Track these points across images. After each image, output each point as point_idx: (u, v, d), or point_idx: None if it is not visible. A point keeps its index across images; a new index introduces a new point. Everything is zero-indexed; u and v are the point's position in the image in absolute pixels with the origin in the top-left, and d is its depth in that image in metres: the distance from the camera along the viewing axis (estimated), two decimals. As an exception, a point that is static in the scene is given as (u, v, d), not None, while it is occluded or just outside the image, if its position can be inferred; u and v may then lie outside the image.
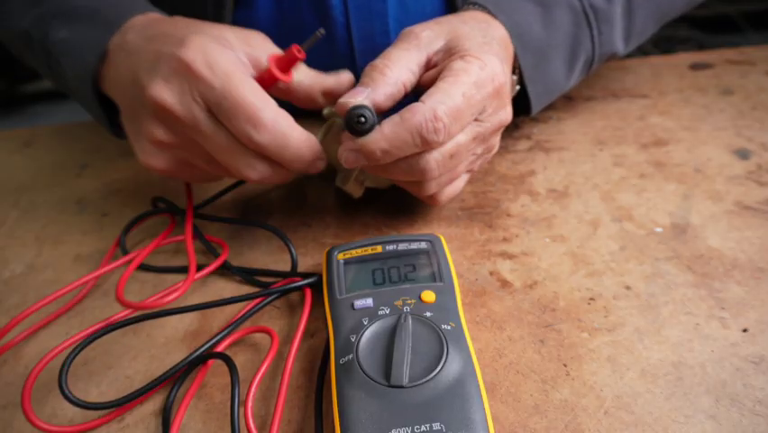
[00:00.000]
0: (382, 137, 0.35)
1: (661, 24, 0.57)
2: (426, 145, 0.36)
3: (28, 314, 0.36)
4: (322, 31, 0.37)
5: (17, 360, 0.37)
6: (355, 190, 0.44)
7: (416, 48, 0.40)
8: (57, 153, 0.62)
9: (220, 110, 0.36)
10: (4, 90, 2.47)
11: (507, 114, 0.41)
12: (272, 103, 0.37)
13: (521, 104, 0.49)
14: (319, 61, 0.54)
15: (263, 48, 0.40)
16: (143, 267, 0.43)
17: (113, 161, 0.59)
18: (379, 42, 0.53)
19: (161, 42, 0.38)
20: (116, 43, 0.42)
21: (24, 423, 0.32)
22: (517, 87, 0.47)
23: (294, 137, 0.37)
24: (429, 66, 0.41)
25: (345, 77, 0.42)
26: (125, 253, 0.44)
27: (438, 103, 0.35)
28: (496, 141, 0.43)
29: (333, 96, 0.42)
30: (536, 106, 0.49)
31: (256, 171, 0.38)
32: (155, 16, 0.44)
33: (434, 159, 0.37)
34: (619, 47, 0.52)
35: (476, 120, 0.39)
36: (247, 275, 0.41)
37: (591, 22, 0.49)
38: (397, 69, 0.38)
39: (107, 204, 0.52)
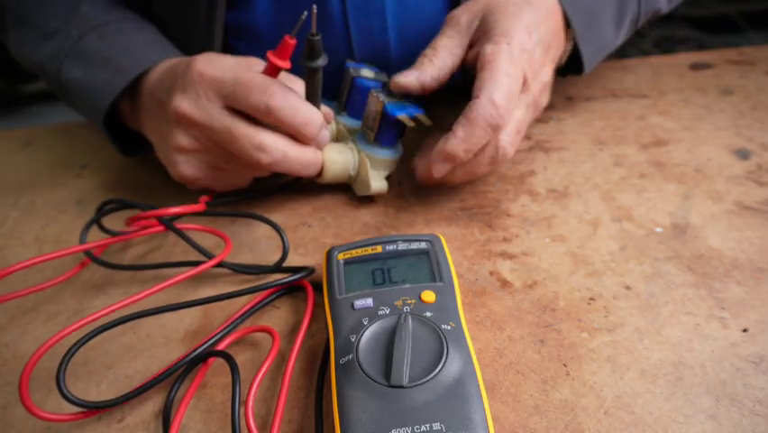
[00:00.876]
0: (459, 140, 0.40)
1: None
2: (497, 131, 0.41)
3: (9, 272, 0.36)
4: (305, 14, 0.39)
5: (17, 360, 0.37)
6: (381, 187, 0.46)
7: (457, 34, 0.45)
8: (57, 153, 0.62)
9: (236, 97, 0.41)
10: (4, 90, 2.46)
11: (546, 74, 0.46)
12: (280, 81, 0.42)
13: (572, 64, 0.52)
14: None
15: (259, 65, 0.44)
16: (143, 266, 0.43)
17: (113, 161, 0.59)
18: (377, 39, 0.53)
19: (175, 69, 0.45)
20: (143, 90, 0.48)
21: (25, 423, 0.33)
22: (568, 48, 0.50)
23: (303, 101, 0.42)
24: (472, 45, 0.45)
25: (326, 109, 0.47)
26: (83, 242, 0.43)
27: (492, 92, 0.40)
28: (544, 99, 0.48)
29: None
30: (589, 66, 0.51)
31: (269, 153, 0.42)
32: (168, 63, 0.48)
33: (507, 143, 0.42)
34: (663, 4, 0.54)
35: (524, 91, 0.43)
36: (235, 267, 0.41)
37: None
38: (442, 55, 0.44)
39: (107, 204, 0.52)
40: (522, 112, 0.43)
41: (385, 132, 0.45)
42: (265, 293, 0.39)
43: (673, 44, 1.92)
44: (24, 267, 0.36)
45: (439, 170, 0.42)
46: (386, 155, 0.46)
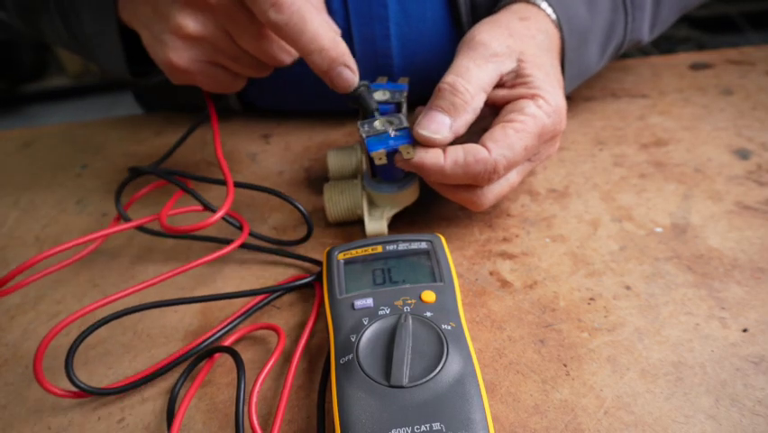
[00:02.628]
0: (441, 170, 0.37)
1: (682, 14, 0.57)
2: (476, 183, 0.38)
3: (32, 264, 0.36)
4: None
5: (17, 360, 0.37)
6: (377, 229, 0.43)
7: (493, 67, 0.40)
8: (57, 153, 0.62)
9: None
10: (5, 90, 2.47)
11: (554, 147, 0.43)
12: None
13: None
14: None
15: None
16: (166, 234, 0.43)
17: (113, 161, 0.59)
18: (381, 46, 0.53)
19: None
20: None
21: (25, 423, 0.33)
22: None
23: (313, 22, 0.37)
24: (498, 83, 0.41)
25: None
26: (127, 219, 0.44)
27: (501, 156, 0.37)
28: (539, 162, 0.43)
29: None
30: (568, 89, 0.49)
31: (290, 55, 0.40)
32: None
33: (487, 197, 0.39)
34: (645, 35, 0.53)
35: (528, 160, 0.41)
36: (256, 246, 0.42)
37: (628, 7, 0.49)
38: (477, 94, 0.38)
39: (107, 204, 0.52)
40: (518, 178, 0.41)
41: (379, 166, 0.39)
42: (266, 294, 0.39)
43: (673, 44, 1.92)
44: (56, 253, 0.37)
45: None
46: (386, 191, 0.41)
